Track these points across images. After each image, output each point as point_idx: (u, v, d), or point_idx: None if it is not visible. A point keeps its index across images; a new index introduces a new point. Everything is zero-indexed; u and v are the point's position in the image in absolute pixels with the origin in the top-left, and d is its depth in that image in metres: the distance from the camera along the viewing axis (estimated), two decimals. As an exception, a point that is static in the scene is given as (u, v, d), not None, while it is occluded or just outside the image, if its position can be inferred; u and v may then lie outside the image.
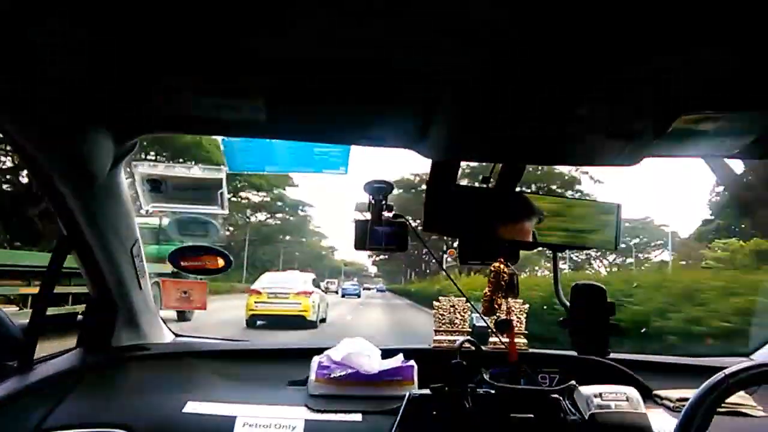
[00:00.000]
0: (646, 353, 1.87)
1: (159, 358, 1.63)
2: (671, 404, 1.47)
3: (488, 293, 1.35)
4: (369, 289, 48.69)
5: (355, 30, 0.80)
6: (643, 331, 5.61)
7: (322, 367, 1.50)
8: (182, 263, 1.60)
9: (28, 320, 1.34)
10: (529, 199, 1.32)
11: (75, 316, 1.55)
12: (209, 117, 1.12)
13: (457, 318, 1.76)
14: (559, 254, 1.40)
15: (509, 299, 1.41)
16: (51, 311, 1.38)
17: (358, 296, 33.53)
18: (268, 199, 42.26)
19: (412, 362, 1.53)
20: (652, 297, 6.63)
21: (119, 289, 1.52)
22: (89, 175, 1.23)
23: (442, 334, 1.75)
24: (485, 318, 1.51)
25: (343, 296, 31.94)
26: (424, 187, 1.34)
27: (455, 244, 1.50)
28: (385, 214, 1.34)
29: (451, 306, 1.77)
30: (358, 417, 1.36)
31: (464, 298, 1.77)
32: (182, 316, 9.39)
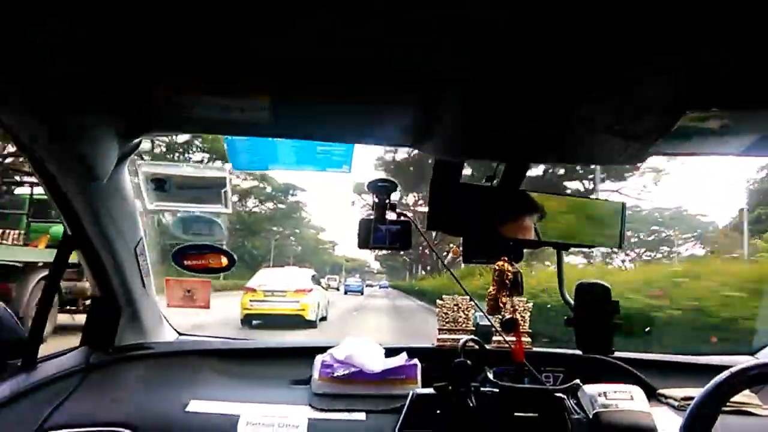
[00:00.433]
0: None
1: (162, 356, 1.63)
2: (676, 403, 1.47)
3: (493, 292, 1.35)
4: (371, 285, 46.95)
5: (355, 30, 0.81)
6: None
7: (325, 365, 1.50)
8: (185, 262, 1.60)
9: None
10: (533, 198, 1.32)
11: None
12: (212, 117, 1.11)
13: (460, 316, 1.76)
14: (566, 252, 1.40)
15: (514, 298, 1.40)
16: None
17: (362, 293, 32.48)
18: (256, 183, 36.09)
19: (415, 361, 1.53)
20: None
21: (123, 288, 1.53)
22: (93, 174, 1.23)
23: (445, 333, 1.75)
24: (489, 317, 1.51)
25: (345, 293, 31.02)
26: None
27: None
28: (389, 212, 1.34)
29: (454, 304, 1.77)
30: (361, 416, 1.36)
31: (468, 297, 1.77)
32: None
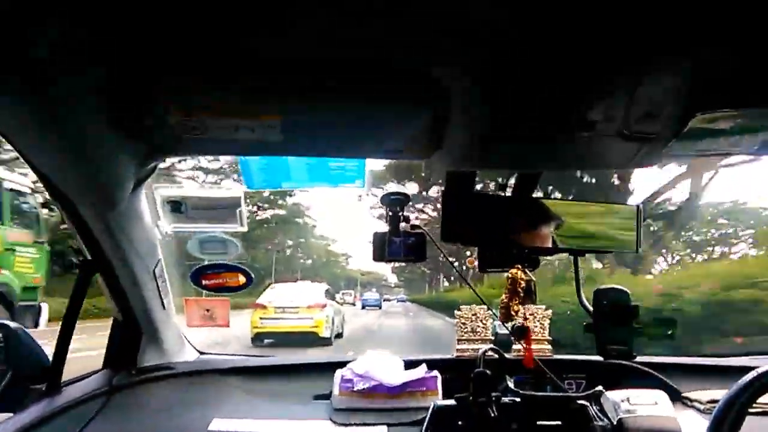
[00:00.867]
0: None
1: (184, 376, 1.64)
2: (702, 406, 1.45)
3: (505, 300, 1.35)
4: (388, 300, 44.55)
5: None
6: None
7: (345, 380, 1.51)
8: (203, 281, 1.62)
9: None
10: (547, 205, 1.32)
11: None
12: (225, 138, 1.13)
13: (479, 326, 1.75)
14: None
15: (528, 305, 1.40)
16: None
17: (380, 307, 30.91)
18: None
19: (435, 372, 1.52)
20: None
21: (143, 309, 1.54)
22: (111, 199, 1.25)
23: (464, 343, 1.75)
24: (506, 325, 1.51)
25: (363, 307, 29.73)
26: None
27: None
28: (403, 225, 1.35)
29: (472, 314, 1.77)
30: (383, 429, 1.36)
31: (485, 306, 1.76)
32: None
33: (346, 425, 1.38)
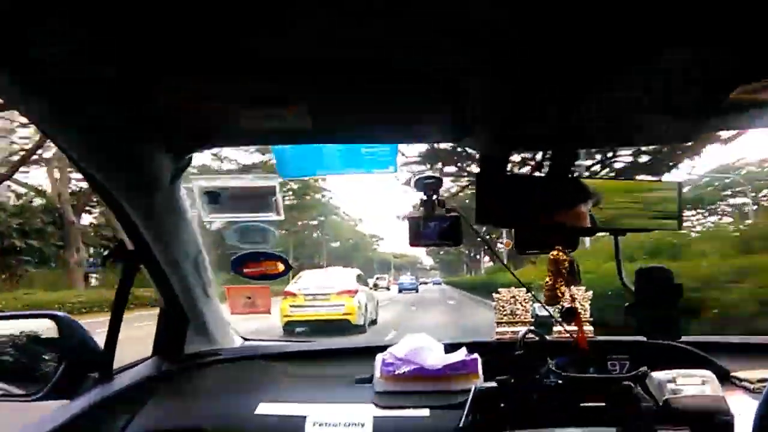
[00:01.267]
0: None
1: (230, 362, 1.69)
2: (751, 386, 1.40)
3: (550, 282, 1.33)
4: (425, 283, 44.25)
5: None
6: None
7: (387, 364, 1.52)
8: (244, 270, 1.65)
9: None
10: (585, 184, 1.29)
11: None
12: (257, 128, 1.15)
13: (518, 309, 1.74)
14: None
15: (572, 287, 1.38)
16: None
17: (416, 291, 30.41)
18: (261, 158, 23.43)
19: (476, 355, 1.52)
20: None
21: (188, 298, 1.59)
22: (151, 192, 1.29)
23: (504, 326, 1.74)
24: (547, 308, 1.49)
25: (400, 291, 29.37)
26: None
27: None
28: (438, 208, 1.34)
29: (511, 297, 1.76)
30: (425, 412, 1.37)
31: (524, 288, 1.75)
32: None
33: (388, 408, 1.40)
